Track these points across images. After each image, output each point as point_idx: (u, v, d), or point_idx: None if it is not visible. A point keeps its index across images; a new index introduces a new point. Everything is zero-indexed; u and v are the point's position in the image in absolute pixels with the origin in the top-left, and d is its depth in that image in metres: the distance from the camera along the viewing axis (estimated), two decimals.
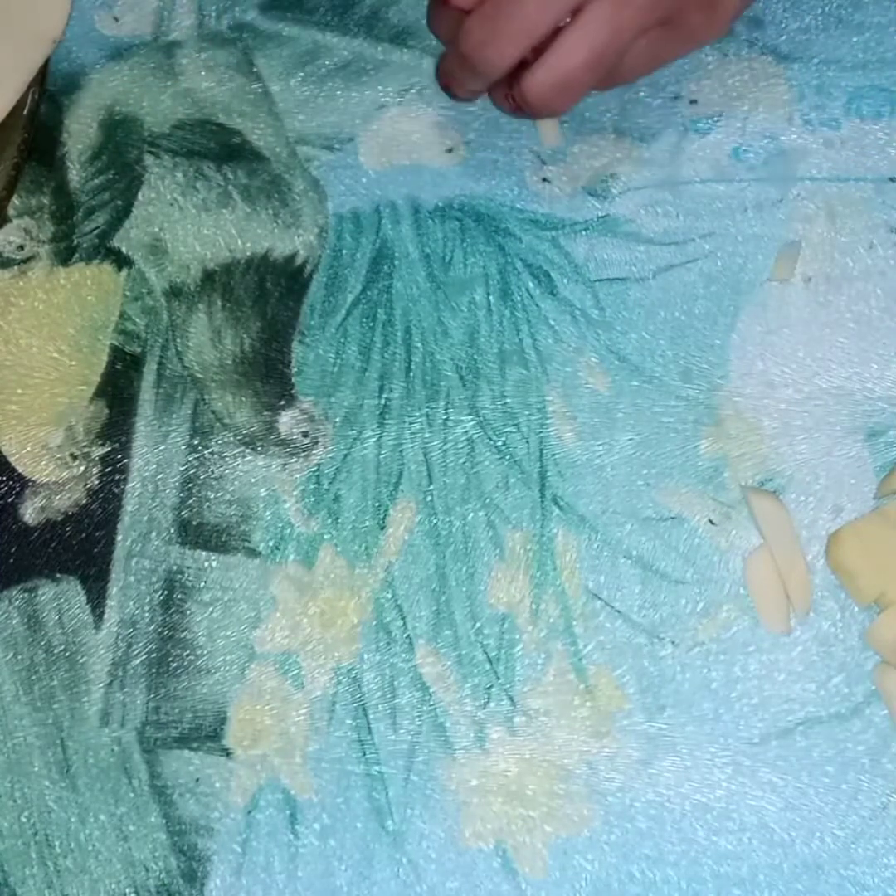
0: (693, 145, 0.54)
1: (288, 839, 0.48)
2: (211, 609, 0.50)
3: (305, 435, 0.51)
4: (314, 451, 0.51)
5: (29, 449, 0.51)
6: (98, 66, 0.56)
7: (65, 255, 0.53)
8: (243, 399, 0.52)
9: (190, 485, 0.51)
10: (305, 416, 0.51)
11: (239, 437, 0.51)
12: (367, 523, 0.50)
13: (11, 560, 0.50)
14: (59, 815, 0.48)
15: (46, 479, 0.51)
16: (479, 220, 0.53)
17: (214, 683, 0.49)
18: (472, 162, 0.54)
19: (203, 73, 0.56)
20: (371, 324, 0.52)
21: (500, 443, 0.51)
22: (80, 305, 0.53)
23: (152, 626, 0.50)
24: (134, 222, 0.54)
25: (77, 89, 0.55)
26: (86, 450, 0.51)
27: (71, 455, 0.51)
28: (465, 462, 0.51)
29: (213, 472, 0.51)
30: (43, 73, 0.52)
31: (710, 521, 0.50)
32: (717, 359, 0.51)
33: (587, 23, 0.47)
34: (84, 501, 0.51)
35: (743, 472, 0.50)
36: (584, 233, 0.53)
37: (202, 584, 0.50)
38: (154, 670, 0.49)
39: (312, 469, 0.51)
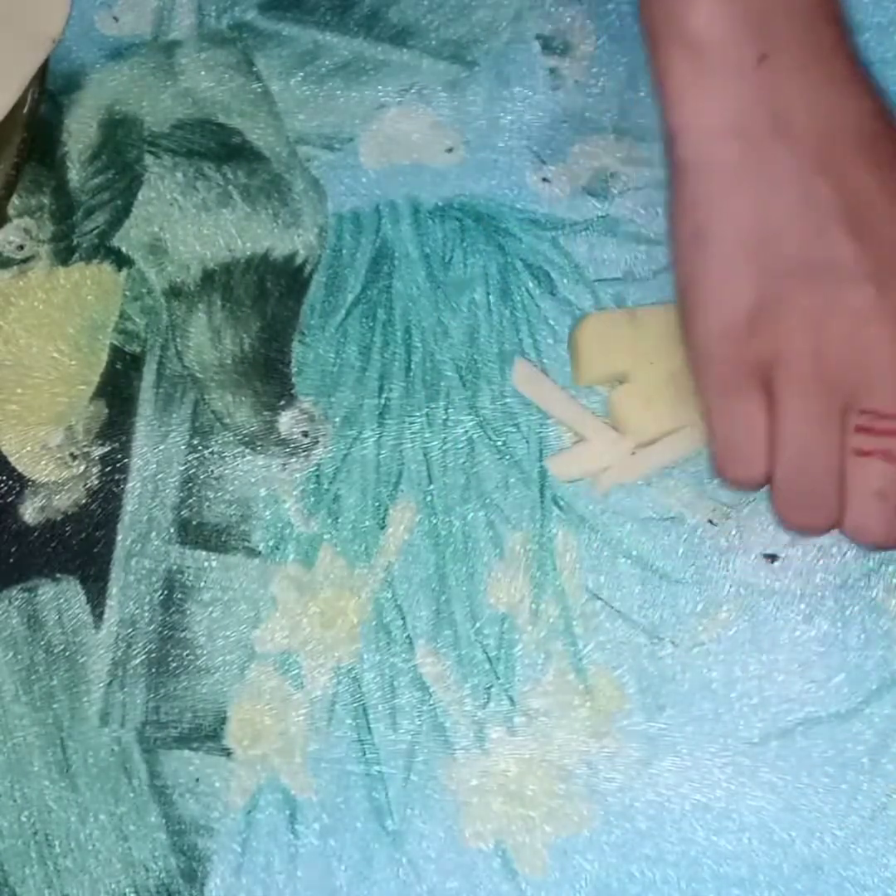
0: None
1: (288, 839, 0.48)
2: (211, 609, 0.50)
3: (305, 435, 0.51)
4: (314, 451, 0.51)
5: (29, 449, 0.51)
6: (98, 65, 0.56)
7: (65, 254, 0.53)
8: (243, 399, 0.52)
9: (190, 485, 0.51)
10: (305, 416, 0.51)
11: (239, 437, 0.51)
12: (367, 523, 0.50)
13: (11, 560, 0.50)
14: (59, 815, 0.48)
15: (46, 479, 0.51)
16: (479, 220, 0.53)
17: (214, 683, 0.49)
18: (472, 162, 0.54)
19: (203, 73, 0.55)
20: (371, 324, 0.52)
21: (500, 443, 0.51)
22: (80, 305, 0.53)
23: (152, 626, 0.50)
24: (134, 222, 0.54)
25: (77, 89, 0.55)
26: (86, 450, 0.51)
27: (71, 455, 0.51)
28: (465, 462, 0.51)
29: (213, 471, 0.51)
30: (43, 73, 0.52)
31: (710, 522, 0.50)
32: None
33: None
34: (84, 501, 0.51)
35: None
36: (584, 233, 0.53)
37: (202, 584, 0.50)
38: (154, 670, 0.49)
39: (312, 469, 0.51)
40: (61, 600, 0.50)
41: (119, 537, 0.50)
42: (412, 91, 0.55)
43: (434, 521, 0.50)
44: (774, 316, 0.43)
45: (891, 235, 0.44)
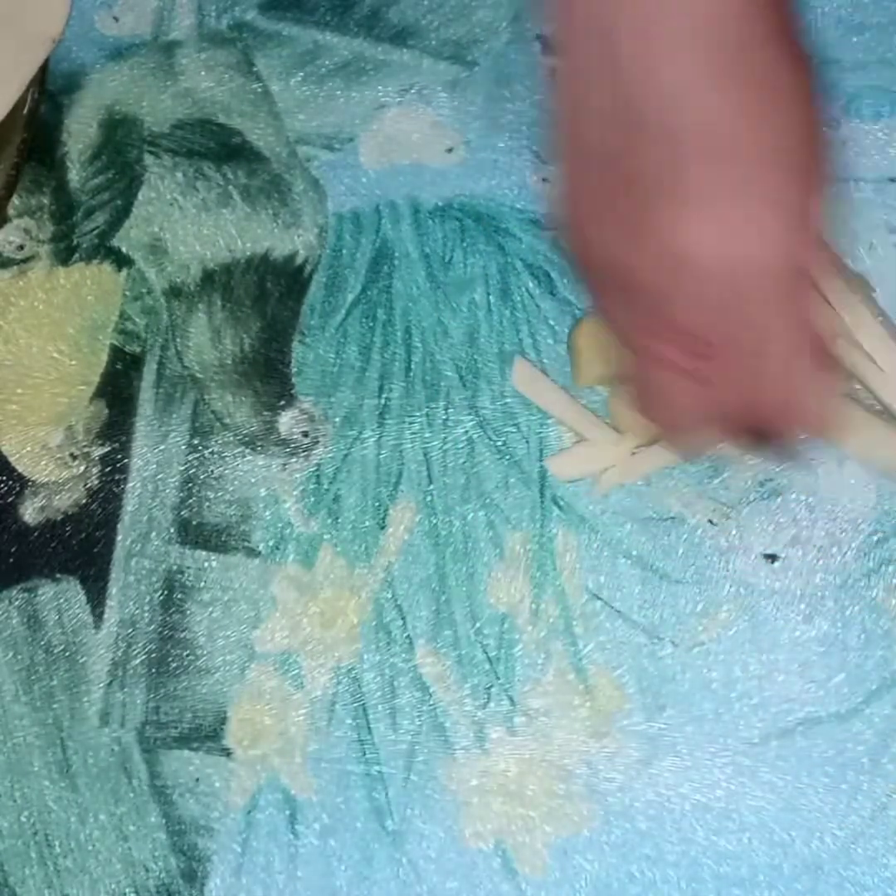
0: None
1: (288, 839, 0.48)
2: (211, 609, 0.50)
3: (305, 435, 0.51)
4: (314, 451, 0.51)
5: (29, 449, 0.51)
6: (98, 65, 0.56)
7: (65, 255, 0.53)
8: (243, 399, 0.52)
9: (190, 485, 0.51)
10: (305, 416, 0.51)
11: (239, 437, 0.51)
12: (367, 523, 0.50)
13: (11, 560, 0.50)
14: (59, 815, 0.48)
15: (46, 479, 0.51)
16: (479, 220, 0.53)
17: (214, 683, 0.49)
18: (472, 162, 0.54)
19: (203, 73, 0.56)
20: (371, 324, 0.52)
21: (500, 443, 0.51)
22: (80, 305, 0.53)
23: (152, 626, 0.50)
24: (134, 222, 0.54)
25: (77, 89, 0.55)
26: (86, 450, 0.51)
27: (71, 455, 0.51)
28: (465, 462, 0.51)
29: (213, 472, 0.51)
30: (43, 73, 0.52)
31: (710, 521, 0.50)
32: None
33: None
34: (84, 501, 0.51)
35: (743, 472, 0.50)
36: None
37: (202, 584, 0.50)
38: (154, 670, 0.49)
39: (312, 469, 0.51)
40: (61, 600, 0.50)
41: (119, 537, 0.50)
42: (412, 91, 0.55)
43: (434, 521, 0.50)
44: (593, 223, 0.42)
45: (715, 147, 0.39)
